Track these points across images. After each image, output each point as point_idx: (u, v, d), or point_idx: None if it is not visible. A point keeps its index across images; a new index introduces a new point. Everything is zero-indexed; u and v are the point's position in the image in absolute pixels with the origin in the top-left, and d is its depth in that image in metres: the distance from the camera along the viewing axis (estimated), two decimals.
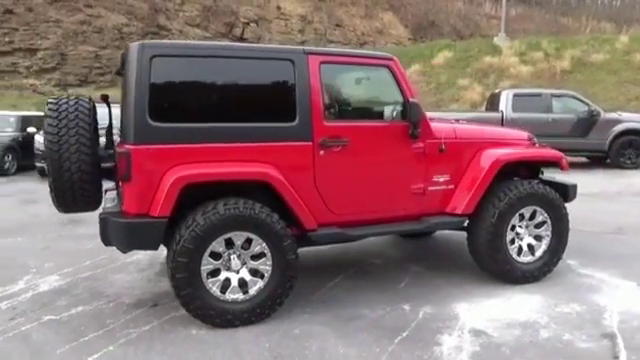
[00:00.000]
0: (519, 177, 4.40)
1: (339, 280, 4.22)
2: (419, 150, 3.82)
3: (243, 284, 3.32)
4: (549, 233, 4.18)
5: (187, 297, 3.17)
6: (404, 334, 3.23)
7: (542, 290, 3.97)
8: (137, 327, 3.31)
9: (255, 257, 3.34)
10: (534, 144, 4.44)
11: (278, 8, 28.27)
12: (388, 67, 3.75)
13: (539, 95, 12.28)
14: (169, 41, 3.75)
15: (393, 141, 3.74)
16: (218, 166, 3.23)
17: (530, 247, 4.16)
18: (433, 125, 3.95)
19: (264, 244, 3.30)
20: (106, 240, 3.27)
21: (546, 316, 3.50)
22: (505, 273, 4.05)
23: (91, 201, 3.47)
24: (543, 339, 3.16)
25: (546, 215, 4.15)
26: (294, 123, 3.44)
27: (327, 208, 3.58)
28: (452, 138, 4.00)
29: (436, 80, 19.20)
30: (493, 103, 12.70)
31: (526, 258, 4.14)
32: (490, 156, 4.01)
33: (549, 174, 4.56)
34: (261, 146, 3.37)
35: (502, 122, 11.78)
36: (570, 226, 4.23)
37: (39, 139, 10.29)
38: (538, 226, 4.18)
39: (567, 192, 4.35)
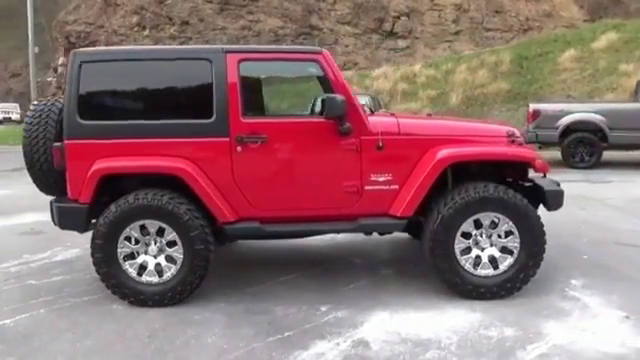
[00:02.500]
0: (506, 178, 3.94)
1: (293, 276, 4.23)
2: (351, 147, 3.64)
3: (160, 269, 3.61)
4: (517, 245, 3.62)
5: (104, 275, 3.57)
6: (285, 334, 3.18)
7: (492, 308, 3.49)
8: (80, 297, 3.82)
9: (170, 244, 3.60)
10: (513, 142, 3.84)
11: None
12: (317, 61, 3.65)
13: None
14: (98, 48, 4.20)
15: (318, 137, 3.64)
16: (133, 160, 3.56)
17: (493, 259, 3.66)
18: (373, 120, 3.73)
19: (174, 233, 3.54)
20: (53, 220, 3.84)
21: (457, 337, 3.10)
22: (453, 285, 3.64)
23: (64, 187, 4.06)
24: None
25: (511, 224, 3.60)
26: (211, 120, 3.59)
27: (249, 203, 3.66)
28: (394, 134, 3.71)
29: (593, 67, 16.78)
30: (637, 92, 10.78)
31: (485, 271, 3.65)
32: (437, 154, 3.62)
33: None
34: (179, 141, 3.60)
35: None
36: (625, 240, 3.57)
37: None
38: (503, 236, 3.65)
39: (545, 198, 3.71)
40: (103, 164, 3.52)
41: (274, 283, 4.09)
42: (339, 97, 3.50)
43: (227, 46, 3.70)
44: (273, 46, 4.11)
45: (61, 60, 26.51)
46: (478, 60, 19.25)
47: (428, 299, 3.69)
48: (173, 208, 3.49)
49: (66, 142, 3.60)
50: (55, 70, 28.70)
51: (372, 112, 12.07)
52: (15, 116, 35.29)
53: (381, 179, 3.69)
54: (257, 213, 3.68)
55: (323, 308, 3.57)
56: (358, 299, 3.71)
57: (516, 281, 3.63)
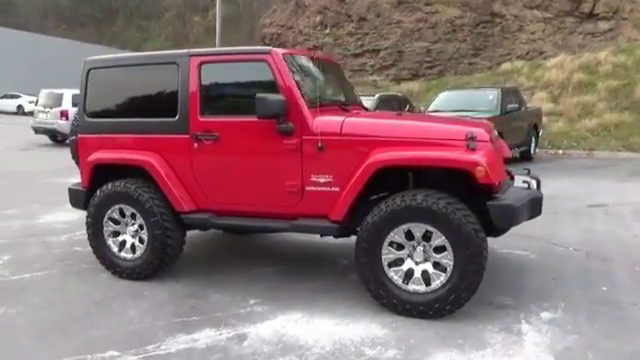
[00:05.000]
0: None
1: (269, 270, 4.39)
2: (292, 147, 3.65)
3: (134, 247, 4.17)
4: (450, 262, 3.22)
5: (94, 249, 4.27)
6: (191, 318, 3.43)
7: (407, 327, 3.21)
8: (89, 264, 4.53)
9: (141, 227, 4.11)
10: (467, 146, 3.33)
11: None
12: (265, 61, 3.73)
13: None
14: (103, 56, 4.72)
15: (262, 136, 3.72)
16: (113, 152, 4.16)
17: (426, 275, 3.31)
18: (318, 119, 3.65)
19: (141, 218, 4.05)
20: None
21: (330, 348, 2.96)
22: (378, 298, 3.42)
23: None
24: None
25: (444, 238, 3.21)
26: (175, 118, 3.97)
27: (205, 195, 3.97)
28: (335, 135, 3.58)
29: None
30: None
31: (415, 287, 3.34)
32: (372, 158, 3.40)
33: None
34: (152, 137, 4.08)
35: None
36: None
37: None
38: (438, 251, 3.27)
39: (489, 214, 3.18)
40: (94, 156, 4.21)
41: (244, 274, 4.29)
42: (271, 97, 3.54)
43: (193, 50, 4.03)
44: (229, 47, 4.15)
45: None
46: None
47: (355, 308, 3.52)
48: (138, 196, 4.00)
49: (78, 137, 4.39)
50: None
51: (503, 110, 10.91)
52: None
53: (322, 180, 3.62)
54: (211, 206, 3.97)
55: (252, 301, 3.69)
56: (292, 298, 3.72)
57: (446, 302, 3.22)
